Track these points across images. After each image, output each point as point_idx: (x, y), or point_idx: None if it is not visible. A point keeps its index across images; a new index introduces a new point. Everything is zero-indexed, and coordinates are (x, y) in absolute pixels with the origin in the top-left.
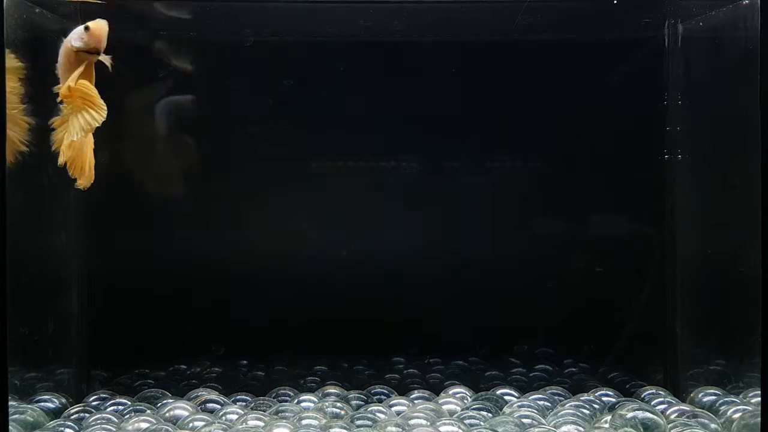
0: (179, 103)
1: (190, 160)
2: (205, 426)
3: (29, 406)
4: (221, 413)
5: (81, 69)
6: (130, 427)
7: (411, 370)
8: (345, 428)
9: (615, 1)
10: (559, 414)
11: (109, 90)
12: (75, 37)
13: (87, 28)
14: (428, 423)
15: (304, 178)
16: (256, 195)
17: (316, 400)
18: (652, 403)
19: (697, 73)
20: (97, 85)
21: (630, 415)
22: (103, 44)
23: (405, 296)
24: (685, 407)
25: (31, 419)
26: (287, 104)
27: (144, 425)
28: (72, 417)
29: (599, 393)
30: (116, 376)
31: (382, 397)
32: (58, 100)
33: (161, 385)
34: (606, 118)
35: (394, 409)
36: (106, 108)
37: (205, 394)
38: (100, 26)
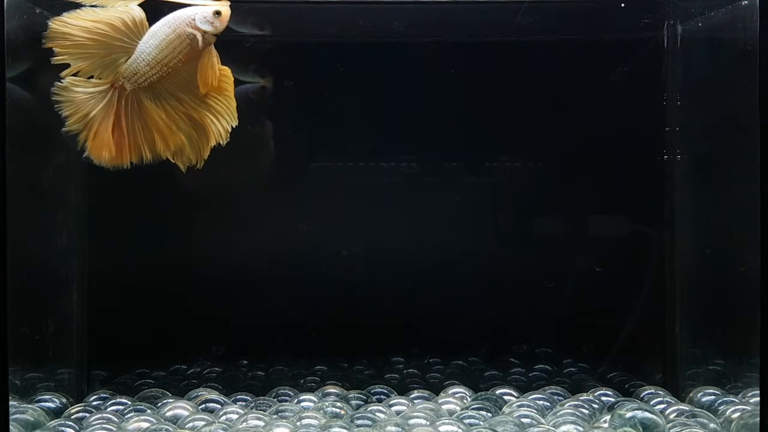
0: None
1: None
2: (205, 425)
3: (30, 405)
4: (221, 413)
5: (214, 56)
6: (130, 427)
7: (410, 370)
8: (345, 428)
9: (623, 5)
10: (559, 414)
11: None
12: (201, 20)
13: (218, 13)
14: (428, 423)
15: (304, 178)
16: (256, 195)
17: (316, 399)
18: (651, 402)
19: (696, 74)
20: None
21: (629, 414)
22: None
23: (405, 296)
24: (684, 407)
25: (32, 419)
26: (286, 104)
27: (144, 425)
28: (72, 417)
29: (598, 393)
30: (116, 375)
31: (382, 396)
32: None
33: (161, 384)
34: (605, 119)
35: (393, 408)
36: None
37: (206, 393)
38: (228, 11)
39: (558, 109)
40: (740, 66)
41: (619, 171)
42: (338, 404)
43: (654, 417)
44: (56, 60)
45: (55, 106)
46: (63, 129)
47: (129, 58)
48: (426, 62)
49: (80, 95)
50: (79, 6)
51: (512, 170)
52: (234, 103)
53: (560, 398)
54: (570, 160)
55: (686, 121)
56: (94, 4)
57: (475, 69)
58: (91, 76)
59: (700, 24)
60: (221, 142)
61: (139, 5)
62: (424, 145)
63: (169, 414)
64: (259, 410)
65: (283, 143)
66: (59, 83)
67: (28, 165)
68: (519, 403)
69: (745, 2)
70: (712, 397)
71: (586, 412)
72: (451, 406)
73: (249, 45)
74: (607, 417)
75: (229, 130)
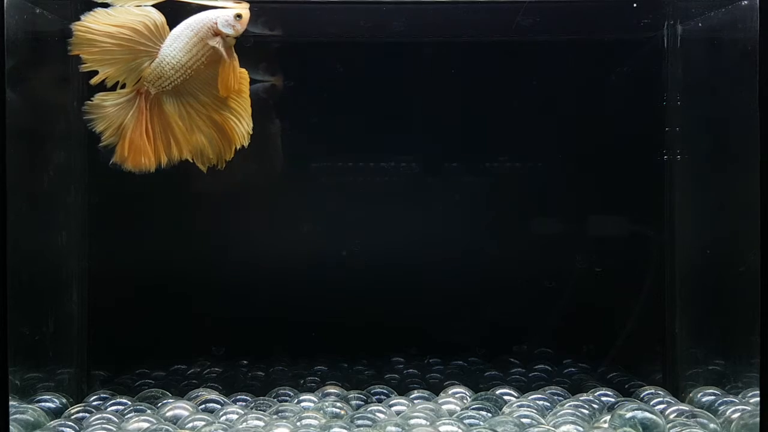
0: None
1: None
2: (205, 426)
3: (30, 406)
4: (221, 413)
5: (234, 59)
6: (130, 427)
7: (411, 370)
8: (345, 428)
9: (635, 5)
10: (559, 414)
11: None
12: (223, 23)
13: (239, 16)
14: (428, 423)
15: (303, 179)
16: (256, 195)
17: (316, 400)
18: (651, 403)
19: (696, 74)
20: None
21: (629, 414)
22: None
23: (405, 296)
24: (684, 407)
25: (32, 419)
26: (286, 104)
27: (144, 425)
28: (72, 417)
29: (598, 393)
30: (117, 376)
31: (382, 397)
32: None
33: (161, 385)
34: (605, 119)
35: (393, 409)
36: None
37: (206, 393)
38: (248, 13)
39: (558, 110)
40: (740, 66)
41: (619, 171)
42: (338, 404)
43: (654, 417)
44: (84, 68)
45: (88, 124)
46: (100, 144)
47: (152, 61)
48: (428, 62)
49: (110, 108)
50: (88, 6)
51: (512, 170)
52: (249, 104)
53: (560, 398)
54: (570, 160)
55: (686, 121)
56: (105, 3)
57: (475, 69)
58: (115, 85)
59: (700, 24)
60: (244, 144)
61: (153, 6)
62: (424, 144)
63: (169, 414)
64: (259, 410)
65: (284, 143)
66: (89, 101)
67: (29, 165)
68: (519, 403)
69: (745, 2)
70: (712, 397)
71: (586, 412)
72: (451, 406)
73: (249, 45)
74: (607, 417)
75: (250, 132)
